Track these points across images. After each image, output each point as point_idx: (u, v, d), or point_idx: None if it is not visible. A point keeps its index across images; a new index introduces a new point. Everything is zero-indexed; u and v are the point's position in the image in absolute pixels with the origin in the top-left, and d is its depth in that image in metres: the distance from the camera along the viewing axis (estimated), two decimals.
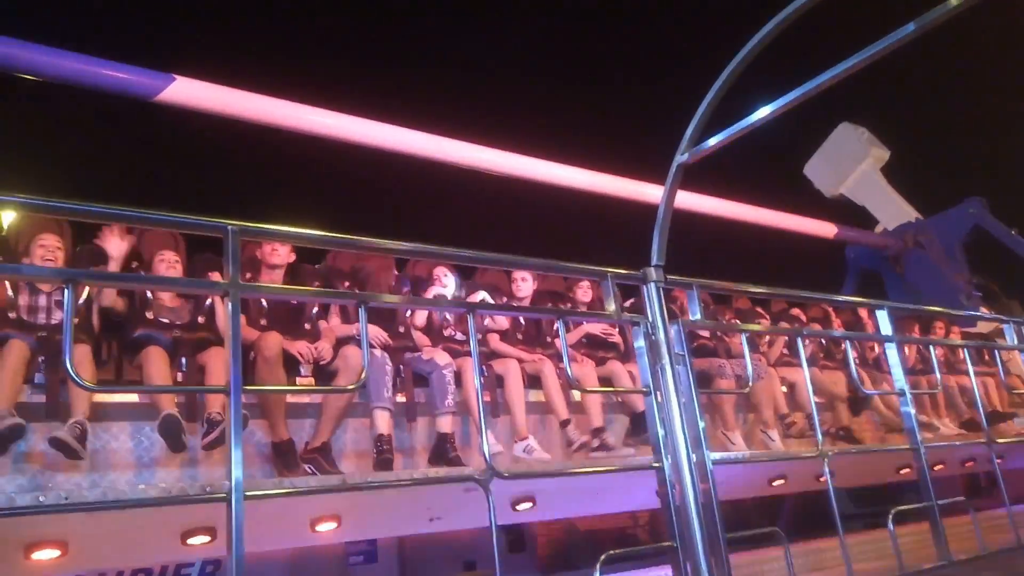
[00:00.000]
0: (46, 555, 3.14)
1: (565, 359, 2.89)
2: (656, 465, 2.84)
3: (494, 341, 5.46)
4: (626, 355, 5.79)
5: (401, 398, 4.80)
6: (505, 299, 5.73)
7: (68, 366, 1.94)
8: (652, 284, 2.99)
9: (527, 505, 4.71)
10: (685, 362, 2.96)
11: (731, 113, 3.24)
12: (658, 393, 2.91)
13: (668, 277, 3.05)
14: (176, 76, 6.47)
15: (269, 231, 2.34)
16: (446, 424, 4.62)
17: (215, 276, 4.51)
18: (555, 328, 5.49)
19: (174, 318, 4.35)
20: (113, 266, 4.26)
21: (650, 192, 9.17)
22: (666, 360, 2.91)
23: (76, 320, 4.10)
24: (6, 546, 2.99)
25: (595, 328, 5.75)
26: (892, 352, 3.90)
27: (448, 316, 5.27)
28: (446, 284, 5.43)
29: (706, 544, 2.64)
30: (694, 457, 2.82)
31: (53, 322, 3.95)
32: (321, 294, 2.35)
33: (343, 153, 7.88)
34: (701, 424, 2.93)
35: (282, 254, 4.63)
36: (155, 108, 6.45)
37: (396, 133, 7.90)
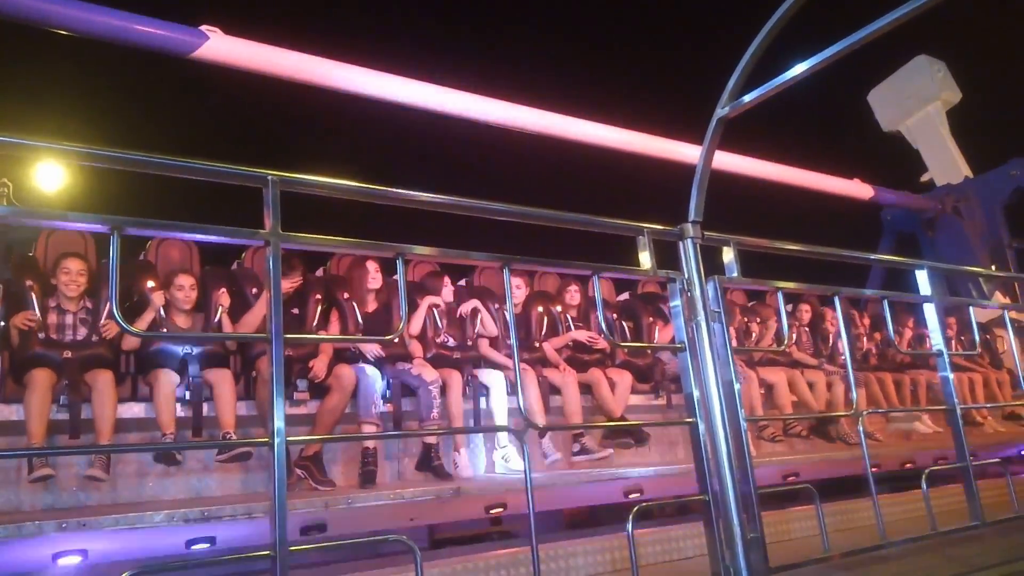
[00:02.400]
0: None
1: (600, 314, 2.89)
2: (690, 421, 2.85)
3: (483, 347, 5.83)
4: (611, 357, 6.26)
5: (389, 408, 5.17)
6: (497, 305, 6.08)
7: (116, 314, 1.99)
8: (689, 240, 2.96)
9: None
10: (720, 319, 2.94)
11: (771, 69, 3.17)
12: (692, 350, 2.91)
13: (705, 234, 3.02)
14: (211, 32, 6.48)
15: (308, 181, 2.34)
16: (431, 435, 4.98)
17: (222, 290, 5.07)
18: (543, 333, 6.09)
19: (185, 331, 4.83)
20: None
21: (683, 151, 9.06)
22: (701, 317, 2.90)
23: (105, 332, 4.60)
24: None
25: (581, 335, 6.16)
26: (931, 313, 3.85)
27: (440, 323, 5.66)
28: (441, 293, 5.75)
29: (739, 500, 2.65)
30: (728, 414, 2.82)
31: (79, 339, 4.53)
32: (363, 245, 2.36)
33: (377, 111, 7.87)
34: (737, 385, 2.93)
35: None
36: (191, 64, 6.47)
37: (429, 91, 7.87)
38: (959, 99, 13.47)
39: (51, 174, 7.39)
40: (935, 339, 3.82)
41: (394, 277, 6.14)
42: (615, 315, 6.76)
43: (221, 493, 4.85)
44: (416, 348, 5.54)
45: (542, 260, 2.82)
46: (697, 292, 2.89)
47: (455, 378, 5.35)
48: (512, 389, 5.52)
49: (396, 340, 5.24)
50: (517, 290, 6.19)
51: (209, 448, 4.70)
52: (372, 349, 5.22)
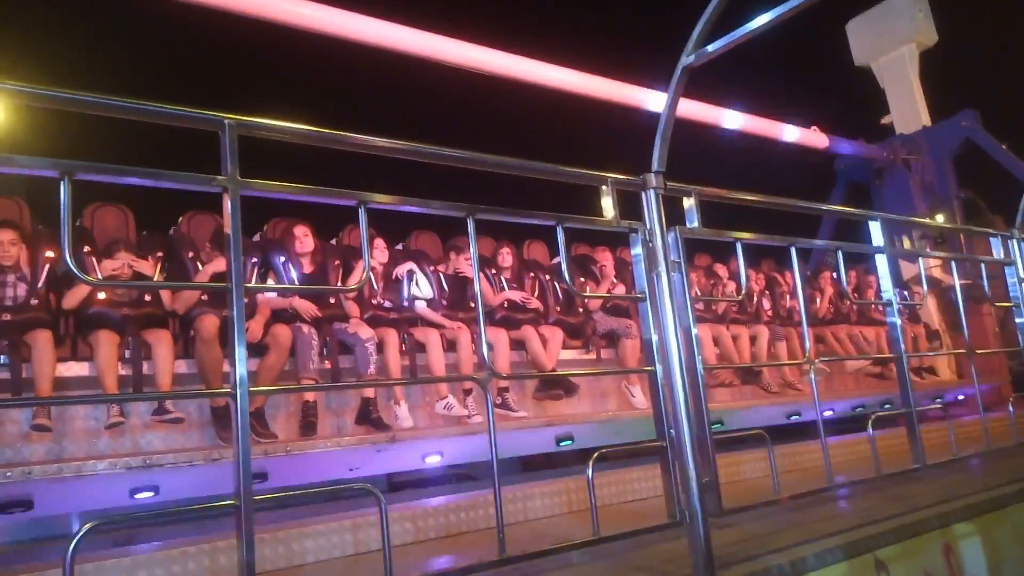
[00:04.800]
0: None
1: (563, 259, 2.89)
2: (649, 369, 2.90)
3: (419, 307, 6.00)
4: (544, 317, 6.54)
5: (326, 365, 5.34)
6: (432, 267, 6.32)
7: (69, 262, 1.93)
8: (652, 191, 2.96)
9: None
10: (680, 269, 2.97)
11: (736, 17, 3.15)
12: (652, 300, 2.94)
13: (668, 184, 3.02)
14: None
15: (267, 126, 2.27)
16: (369, 390, 5.26)
17: (155, 259, 5.10)
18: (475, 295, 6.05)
19: (123, 295, 4.84)
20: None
21: (642, 97, 9.02)
22: (662, 267, 2.92)
23: (41, 293, 4.64)
24: None
25: (515, 295, 6.43)
26: (883, 263, 3.94)
27: (375, 286, 5.85)
28: (379, 257, 5.91)
29: (695, 444, 2.72)
30: (686, 362, 2.87)
31: (19, 300, 4.57)
32: (323, 192, 2.32)
33: (335, 51, 7.64)
34: (694, 331, 2.98)
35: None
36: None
37: (386, 28, 7.65)
38: (934, 42, 13.50)
39: None
40: (885, 289, 3.92)
41: (331, 241, 6.30)
42: (547, 276, 7.00)
43: (163, 447, 4.89)
44: (352, 308, 5.66)
45: (505, 210, 2.80)
46: (659, 242, 2.91)
47: (391, 335, 5.50)
48: (449, 346, 5.79)
49: (333, 300, 5.50)
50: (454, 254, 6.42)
51: (172, 399, 4.85)
52: (308, 309, 5.32)
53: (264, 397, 4.93)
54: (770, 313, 8.26)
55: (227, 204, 2.13)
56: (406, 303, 6.00)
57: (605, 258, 7.07)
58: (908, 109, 13.35)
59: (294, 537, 3.75)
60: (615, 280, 7.05)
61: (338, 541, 3.87)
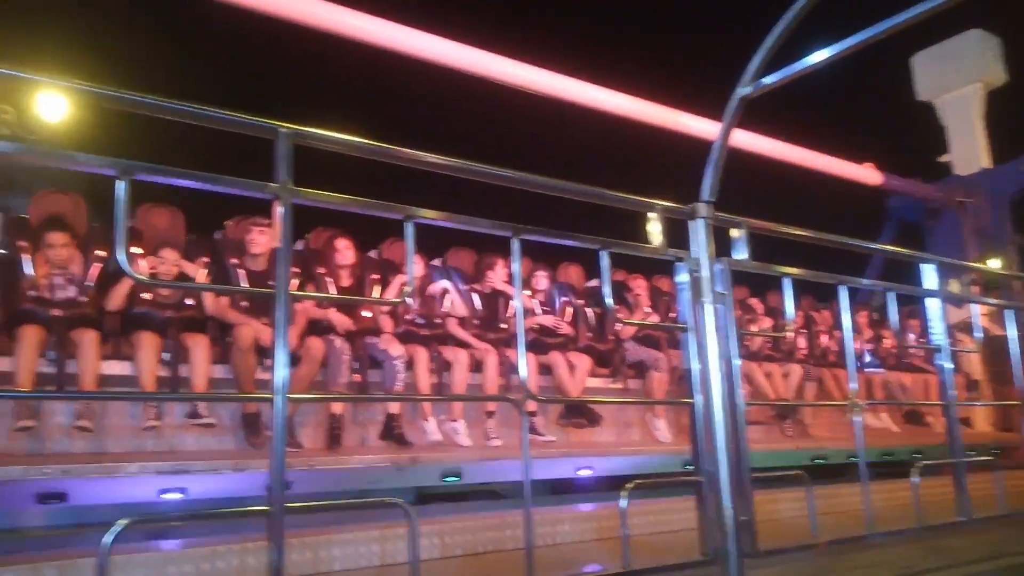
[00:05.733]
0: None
1: (606, 288, 2.86)
2: (689, 401, 2.85)
3: (451, 325, 6.08)
4: (573, 342, 6.56)
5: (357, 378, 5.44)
6: (466, 286, 6.41)
7: (123, 261, 1.97)
8: (701, 220, 2.93)
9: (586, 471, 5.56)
10: (725, 301, 2.92)
11: (794, 50, 3.10)
12: (696, 331, 2.89)
13: (717, 214, 2.98)
14: None
15: (321, 136, 2.30)
16: (395, 406, 5.31)
17: (201, 263, 5.30)
18: (507, 316, 6.36)
19: (168, 297, 5.05)
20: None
21: (695, 126, 8.96)
22: (708, 298, 2.88)
23: (91, 292, 4.88)
24: None
25: (547, 320, 6.46)
26: (935, 307, 3.84)
27: (410, 301, 5.89)
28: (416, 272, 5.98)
29: (733, 479, 2.66)
30: (727, 395, 2.81)
31: (68, 296, 4.77)
32: (373, 205, 2.33)
33: (391, 64, 7.74)
34: (736, 363, 2.92)
35: (262, 242, 5.34)
36: (206, 5, 6.37)
37: (440, 44, 7.74)
38: (1003, 82, 13.10)
39: (57, 110, 7.22)
40: (937, 333, 3.81)
41: (368, 254, 6.39)
42: (581, 301, 7.01)
43: (195, 448, 4.99)
44: (386, 323, 5.78)
45: (550, 232, 2.78)
46: (705, 272, 2.87)
47: (421, 354, 5.60)
48: (475, 366, 5.85)
49: (368, 313, 5.63)
50: (491, 273, 6.52)
51: (212, 400, 5.06)
52: (344, 323, 5.42)
53: (295, 406, 4.98)
54: (805, 352, 8.10)
55: (277, 212, 2.16)
56: (438, 320, 6.06)
57: (639, 286, 7.05)
58: (968, 149, 12.99)
59: (322, 544, 3.75)
60: (647, 309, 6.98)
61: (365, 551, 3.86)
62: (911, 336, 8.52)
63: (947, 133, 13.32)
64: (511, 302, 6.34)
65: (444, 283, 6.16)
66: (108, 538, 1.73)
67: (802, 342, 8.07)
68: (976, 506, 3.71)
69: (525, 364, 2.66)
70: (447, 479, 5.28)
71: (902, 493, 4.49)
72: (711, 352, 2.81)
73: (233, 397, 5.82)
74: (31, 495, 3.90)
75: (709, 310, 2.84)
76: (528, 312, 6.48)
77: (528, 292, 6.58)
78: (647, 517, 4.78)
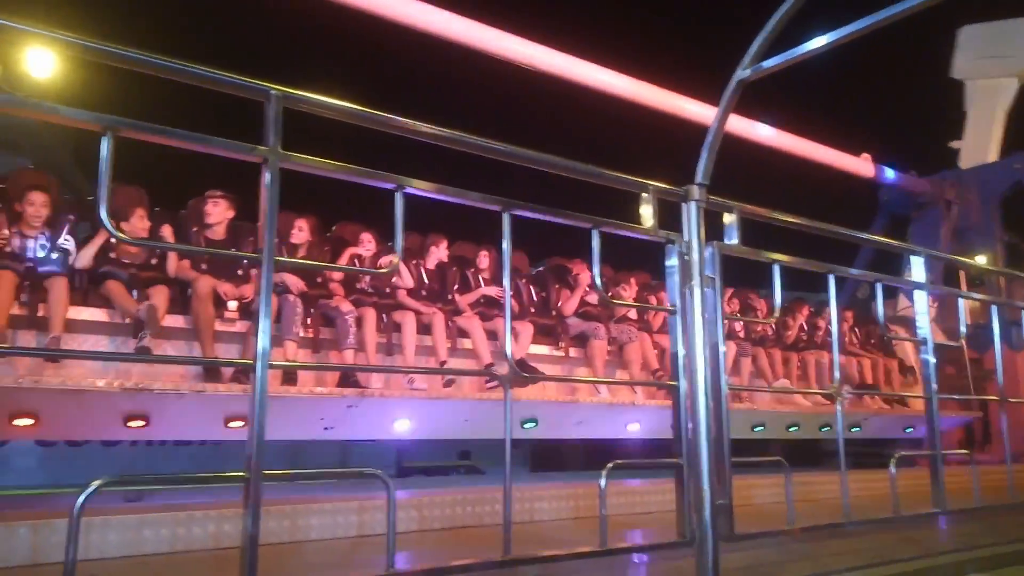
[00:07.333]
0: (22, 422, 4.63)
1: (595, 268, 2.84)
2: (673, 384, 2.85)
3: (401, 295, 6.56)
4: (520, 315, 7.04)
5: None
6: (415, 262, 6.91)
7: (104, 218, 1.93)
8: (693, 203, 2.90)
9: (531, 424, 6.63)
10: (714, 285, 2.91)
11: (794, 35, 3.07)
12: (683, 314, 2.88)
13: (710, 198, 2.96)
14: None
15: (312, 100, 2.25)
16: (349, 356, 5.75)
17: (167, 229, 5.78)
18: (455, 288, 6.99)
19: (132, 259, 5.44)
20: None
21: (693, 110, 8.91)
22: (696, 281, 2.86)
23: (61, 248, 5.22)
24: None
25: (491, 291, 7.03)
26: (921, 300, 3.85)
27: (405, 276, 6.54)
28: (368, 247, 6.55)
29: (712, 464, 2.67)
30: (711, 379, 2.81)
31: (39, 255, 5.19)
32: (362, 173, 2.30)
33: (381, 34, 7.65)
34: (722, 348, 2.92)
35: (216, 214, 5.77)
36: None
37: (437, 15, 7.64)
38: None
39: (43, 65, 7.06)
40: (921, 326, 3.82)
41: (326, 235, 6.55)
42: (524, 280, 7.65)
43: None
44: (337, 290, 6.24)
45: (541, 208, 2.75)
46: (695, 256, 2.85)
47: (370, 313, 6.05)
48: (423, 330, 6.34)
49: (320, 280, 6.24)
50: (436, 248, 7.06)
51: (195, 364, 5.44)
52: (296, 283, 5.84)
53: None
54: (742, 335, 8.52)
55: (265, 176, 2.12)
56: (387, 290, 6.55)
57: (580, 268, 7.65)
58: (981, 140, 12.89)
59: (300, 512, 3.75)
60: (587, 288, 7.61)
61: (343, 521, 3.87)
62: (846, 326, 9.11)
63: (967, 118, 13.18)
64: (458, 277, 7.15)
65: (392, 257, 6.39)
66: (81, 498, 1.71)
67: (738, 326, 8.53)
68: (954, 498, 3.75)
69: (511, 342, 2.64)
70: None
71: (881, 483, 4.52)
72: (697, 336, 2.80)
73: (215, 362, 5.85)
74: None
75: (697, 294, 2.83)
76: (475, 287, 7.12)
77: (473, 270, 7.24)
78: (626, 497, 4.81)
